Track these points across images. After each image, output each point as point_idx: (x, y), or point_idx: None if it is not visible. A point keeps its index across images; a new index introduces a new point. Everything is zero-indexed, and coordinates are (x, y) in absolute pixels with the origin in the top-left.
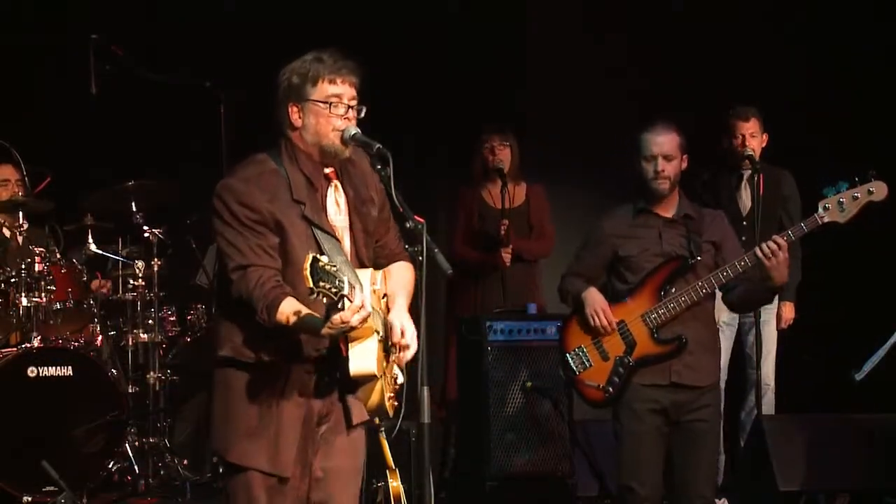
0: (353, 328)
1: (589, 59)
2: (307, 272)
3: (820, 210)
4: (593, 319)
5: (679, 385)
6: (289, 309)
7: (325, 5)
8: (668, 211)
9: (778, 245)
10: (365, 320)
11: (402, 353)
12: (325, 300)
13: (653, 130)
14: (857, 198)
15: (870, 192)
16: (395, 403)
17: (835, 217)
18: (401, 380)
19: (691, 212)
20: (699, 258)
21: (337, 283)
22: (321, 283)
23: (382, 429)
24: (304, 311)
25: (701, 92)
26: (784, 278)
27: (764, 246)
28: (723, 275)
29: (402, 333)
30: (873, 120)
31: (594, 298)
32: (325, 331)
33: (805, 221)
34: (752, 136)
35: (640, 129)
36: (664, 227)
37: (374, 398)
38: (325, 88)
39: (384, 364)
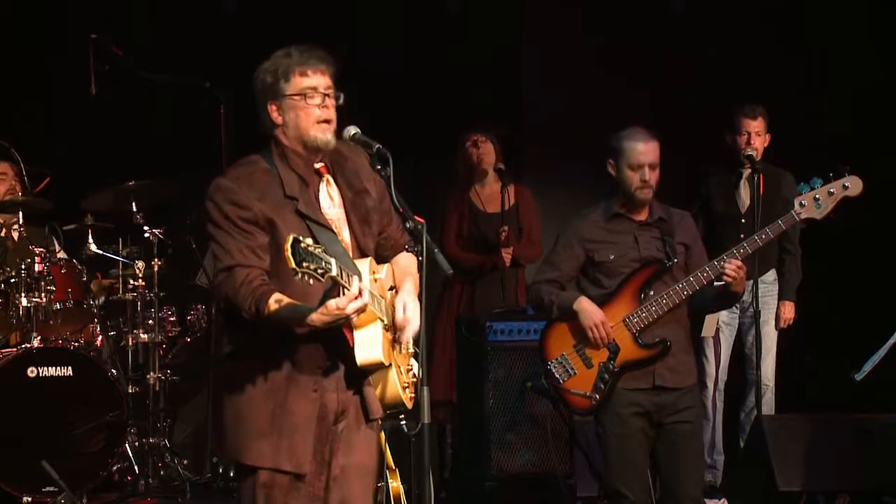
0: (347, 317)
1: (589, 59)
2: (288, 253)
3: (796, 206)
4: (593, 332)
5: (662, 388)
6: (279, 302)
7: (325, 5)
8: (642, 214)
9: (736, 265)
10: (362, 310)
11: (404, 331)
12: (311, 282)
13: (637, 138)
14: (832, 193)
15: (845, 187)
16: (413, 396)
17: (811, 213)
18: (416, 371)
19: (663, 214)
20: (675, 260)
21: (323, 263)
22: (304, 264)
23: (402, 424)
24: (292, 301)
25: (701, 92)
26: (743, 287)
27: (728, 269)
28: (703, 275)
29: (404, 310)
30: (873, 120)
31: (592, 311)
32: (315, 316)
33: (782, 219)
34: (758, 135)
35: (622, 135)
36: (639, 231)
37: (390, 390)
38: (298, 82)
39: (392, 353)
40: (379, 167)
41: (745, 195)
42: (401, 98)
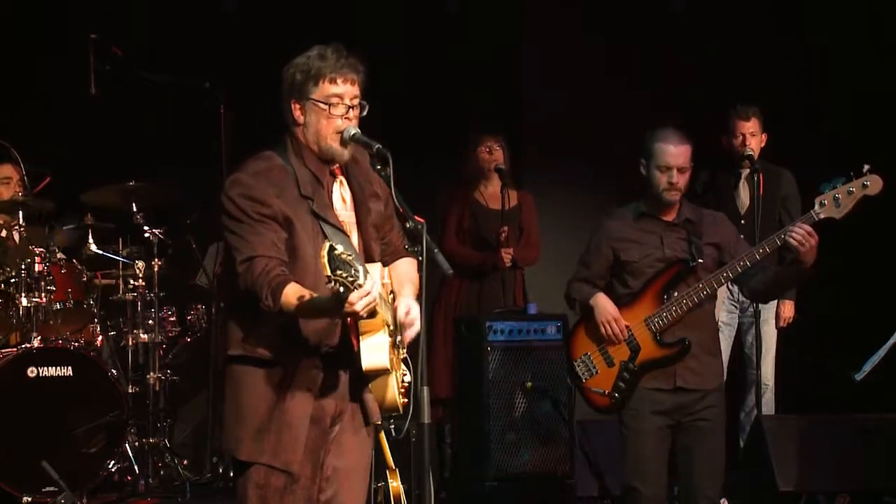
0: (358, 315)
1: (589, 59)
2: (325, 260)
3: (816, 206)
4: (605, 328)
5: (683, 389)
6: (294, 293)
7: (325, 5)
8: (670, 215)
9: (806, 231)
10: (372, 308)
11: (405, 332)
12: (341, 289)
13: (669, 140)
14: (852, 192)
15: (864, 186)
16: (406, 401)
17: (831, 213)
18: (409, 378)
19: (692, 215)
20: (700, 261)
21: (353, 272)
22: (338, 272)
23: (392, 425)
24: (310, 293)
25: (701, 91)
26: (813, 259)
27: (795, 235)
28: (723, 276)
29: (408, 313)
30: (873, 120)
31: (605, 307)
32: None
33: (801, 218)
34: (752, 136)
35: (654, 136)
36: (665, 232)
37: (389, 395)
38: (326, 88)
39: (394, 358)
40: (378, 167)
41: (744, 195)
42: (401, 98)
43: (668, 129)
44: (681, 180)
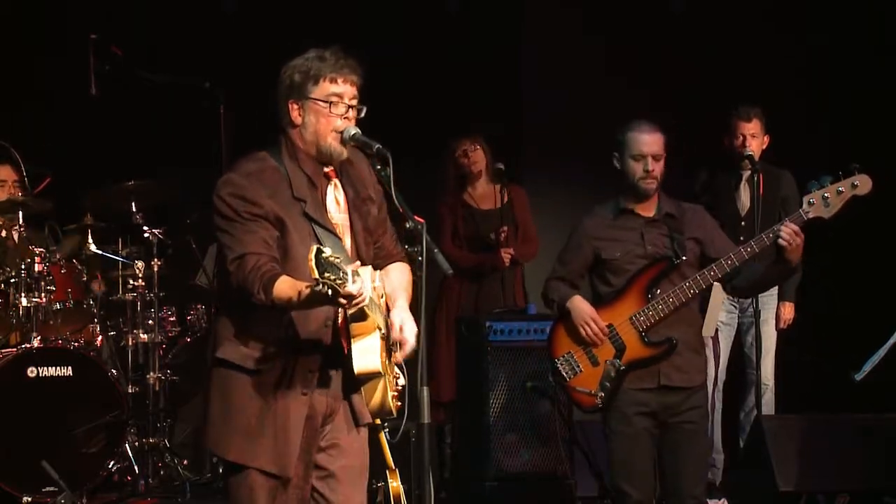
0: (342, 305)
1: (589, 59)
2: (312, 263)
3: (804, 205)
4: (584, 330)
5: (668, 387)
6: (286, 285)
7: (325, 5)
8: (650, 210)
9: (793, 230)
10: (363, 300)
11: (400, 349)
12: (329, 292)
13: (640, 129)
14: (841, 192)
15: (854, 186)
16: (399, 403)
17: (819, 212)
18: (402, 381)
19: (672, 210)
20: (684, 258)
21: (341, 274)
22: (326, 275)
23: (386, 428)
24: (304, 285)
25: (701, 91)
26: (798, 258)
27: (782, 233)
28: (710, 275)
29: (401, 329)
30: (873, 120)
31: (582, 308)
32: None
33: (790, 217)
34: (753, 137)
35: (626, 127)
36: (646, 228)
37: (378, 397)
38: (326, 87)
39: (386, 361)
40: (378, 167)
41: (744, 196)
42: (401, 98)
43: (639, 121)
44: (656, 168)
